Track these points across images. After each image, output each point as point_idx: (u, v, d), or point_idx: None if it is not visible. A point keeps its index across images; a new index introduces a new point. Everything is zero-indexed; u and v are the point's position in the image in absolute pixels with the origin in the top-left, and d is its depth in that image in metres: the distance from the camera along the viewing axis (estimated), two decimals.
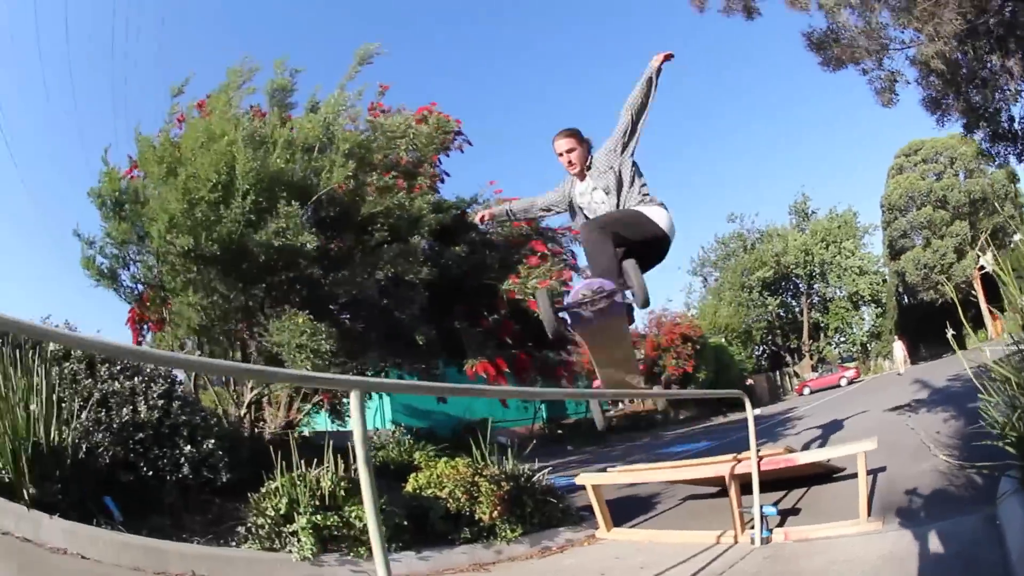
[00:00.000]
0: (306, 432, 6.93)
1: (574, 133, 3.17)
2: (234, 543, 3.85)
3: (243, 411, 5.31)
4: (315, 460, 4.16)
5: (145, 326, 6.47)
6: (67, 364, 4.71)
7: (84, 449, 4.09)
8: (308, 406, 6.15)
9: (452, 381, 6.21)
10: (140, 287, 6.55)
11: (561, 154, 3.17)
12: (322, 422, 7.55)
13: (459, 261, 6.29)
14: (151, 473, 4.35)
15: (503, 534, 4.44)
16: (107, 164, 6.39)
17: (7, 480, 3.66)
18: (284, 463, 3.97)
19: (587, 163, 3.18)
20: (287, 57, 6.03)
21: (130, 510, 4.10)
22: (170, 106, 6.34)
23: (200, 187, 4.98)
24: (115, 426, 4.36)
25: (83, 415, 4.26)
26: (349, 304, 5.88)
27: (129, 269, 6.10)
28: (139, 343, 6.56)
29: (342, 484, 3.92)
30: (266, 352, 5.20)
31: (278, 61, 6.00)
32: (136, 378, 4.73)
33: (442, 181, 7.22)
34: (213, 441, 4.59)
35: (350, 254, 5.73)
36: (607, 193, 3.08)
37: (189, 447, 4.49)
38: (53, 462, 3.83)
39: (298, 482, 3.85)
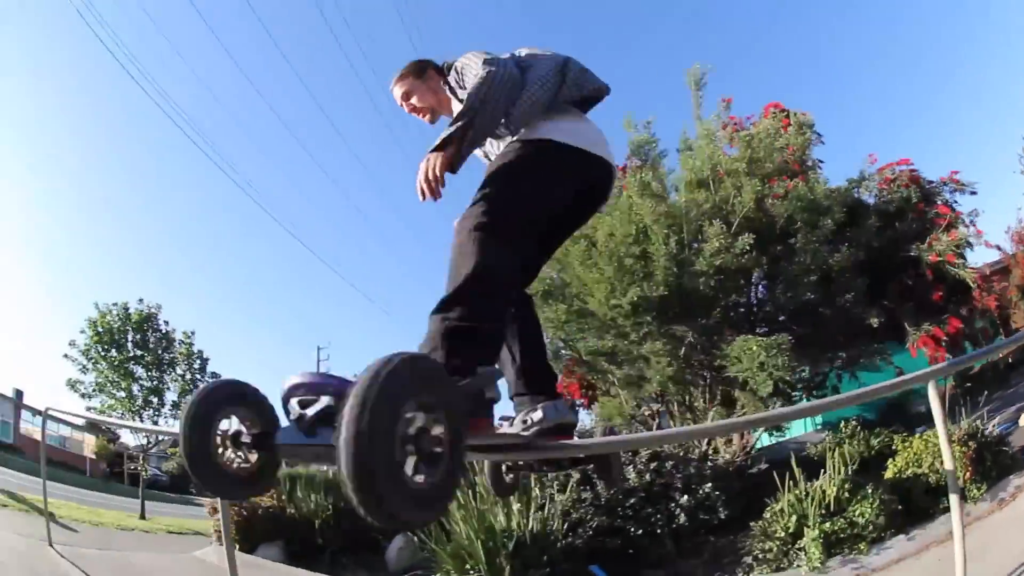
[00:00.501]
0: None
1: (408, 71, 1.99)
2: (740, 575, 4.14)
3: (703, 447, 5.58)
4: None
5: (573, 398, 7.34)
6: None
7: (566, 527, 4.49)
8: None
9: (897, 362, 6.29)
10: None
11: (402, 106, 2.04)
12: (763, 439, 7.95)
13: (871, 238, 6.08)
14: (639, 532, 4.67)
15: (971, 494, 4.35)
16: None
17: None
18: (791, 482, 4.24)
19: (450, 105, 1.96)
20: (631, 113, 6.35)
21: (619, 571, 4.49)
22: None
23: (620, 244, 5.51)
24: (602, 499, 4.76)
25: (562, 497, 4.70)
26: (793, 314, 5.97)
27: (566, 348, 6.91)
28: None
29: (845, 487, 4.08)
30: (724, 381, 5.67)
31: (626, 120, 6.33)
32: None
33: (819, 170, 7.03)
34: (709, 484, 4.88)
35: (779, 264, 5.88)
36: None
37: (685, 497, 4.79)
38: (536, 549, 4.20)
39: (803, 497, 4.08)
